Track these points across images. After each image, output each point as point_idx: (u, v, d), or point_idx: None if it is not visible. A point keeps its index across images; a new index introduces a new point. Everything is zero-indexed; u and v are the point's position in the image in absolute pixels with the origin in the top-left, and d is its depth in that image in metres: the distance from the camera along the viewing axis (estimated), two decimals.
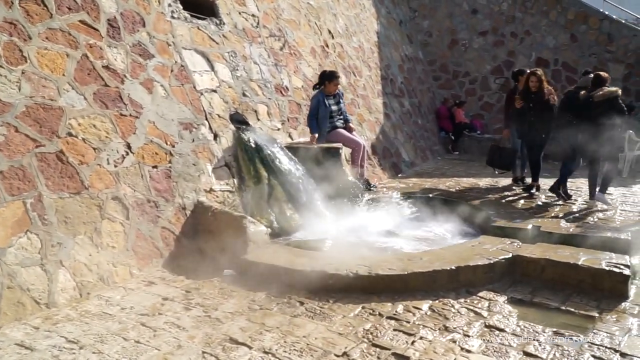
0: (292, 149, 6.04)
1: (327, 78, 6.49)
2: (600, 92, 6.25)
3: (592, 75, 6.78)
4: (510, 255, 4.05)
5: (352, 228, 5.36)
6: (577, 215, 5.71)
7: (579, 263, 3.84)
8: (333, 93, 6.54)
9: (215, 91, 5.60)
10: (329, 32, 8.74)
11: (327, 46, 8.50)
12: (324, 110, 6.44)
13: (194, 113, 5.16)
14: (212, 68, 5.70)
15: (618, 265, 3.77)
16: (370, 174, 7.61)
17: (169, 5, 5.44)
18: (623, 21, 11.01)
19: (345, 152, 6.51)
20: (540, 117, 6.49)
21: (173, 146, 4.78)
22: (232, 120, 5.65)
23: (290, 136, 6.67)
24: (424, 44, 12.57)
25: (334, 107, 6.57)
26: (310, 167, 5.86)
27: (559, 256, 3.97)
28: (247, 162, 5.45)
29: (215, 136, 5.32)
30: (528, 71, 6.81)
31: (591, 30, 10.97)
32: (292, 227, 5.42)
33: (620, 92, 6.36)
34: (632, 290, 3.75)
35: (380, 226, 5.47)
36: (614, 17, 11.01)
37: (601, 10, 11.14)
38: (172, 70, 5.11)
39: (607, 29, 10.80)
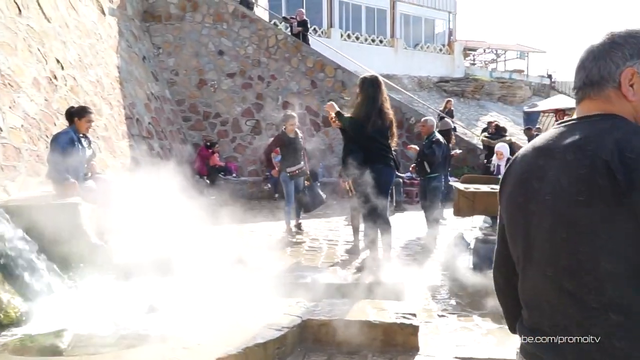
0: (9, 209, 4.53)
1: (77, 114, 5.20)
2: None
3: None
4: (300, 320, 3.57)
5: (103, 308, 4.18)
6: (348, 260, 5.68)
7: (371, 320, 3.58)
8: (85, 132, 5.27)
9: None
10: (58, 61, 7.25)
11: (56, 78, 7.01)
12: (80, 152, 5.10)
13: None
14: None
15: (406, 316, 3.64)
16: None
17: None
18: (353, 72, 12.30)
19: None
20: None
21: None
22: None
23: (6, 191, 5.06)
24: (170, 82, 11.81)
25: (88, 152, 5.31)
26: (38, 232, 4.45)
27: (350, 314, 3.66)
28: None
29: None
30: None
31: (328, 78, 11.93)
32: (14, 318, 3.94)
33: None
34: (420, 340, 3.65)
35: (137, 300, 4.41)
36: (346, 67, 12.22)
37: (335, 60, 12.25)
38: None
39: (340, 77, 11.88)
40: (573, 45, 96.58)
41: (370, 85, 4.86)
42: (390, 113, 4.96)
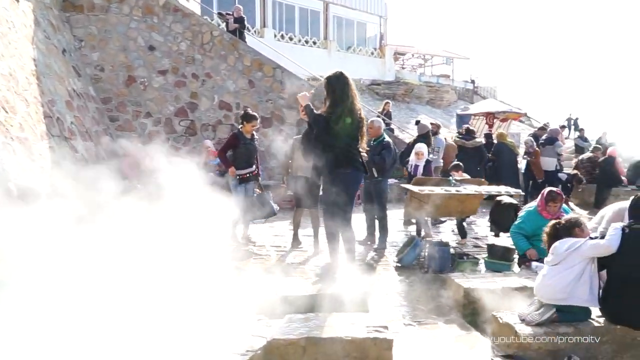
0: None
1: None
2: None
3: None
4: (265, 341, 3.18)
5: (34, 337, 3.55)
6: (302, 268, 5.35)
7: (342, 336, 3.26)
8: None
9: None
10: None
11: None
12: None
13: None
14: None
15: (378, 329, 3.36)
16: None
17: None
18: (292, 72, 11.97)
19: None
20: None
21: None
22: None
23: None
24: (95, 79, 10.88)
25: None
26: None
27: (318, 331, 3.32)
28: None
29: None
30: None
31: (266, 77, 11.50)
32: None
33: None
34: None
35: (76, 326, 3.81)
36: (285, 67, 11.85)
37: (273, 59, 11.85)
38: None
39: (279, 77, 11.50)
40: (493, 53, 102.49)
41: (336, 82, 4.50)
42: (361, 112, 4.63)
